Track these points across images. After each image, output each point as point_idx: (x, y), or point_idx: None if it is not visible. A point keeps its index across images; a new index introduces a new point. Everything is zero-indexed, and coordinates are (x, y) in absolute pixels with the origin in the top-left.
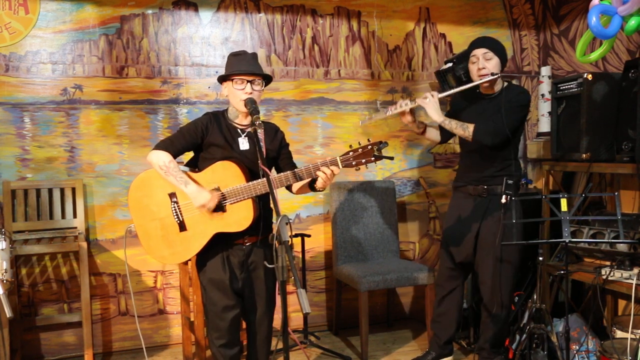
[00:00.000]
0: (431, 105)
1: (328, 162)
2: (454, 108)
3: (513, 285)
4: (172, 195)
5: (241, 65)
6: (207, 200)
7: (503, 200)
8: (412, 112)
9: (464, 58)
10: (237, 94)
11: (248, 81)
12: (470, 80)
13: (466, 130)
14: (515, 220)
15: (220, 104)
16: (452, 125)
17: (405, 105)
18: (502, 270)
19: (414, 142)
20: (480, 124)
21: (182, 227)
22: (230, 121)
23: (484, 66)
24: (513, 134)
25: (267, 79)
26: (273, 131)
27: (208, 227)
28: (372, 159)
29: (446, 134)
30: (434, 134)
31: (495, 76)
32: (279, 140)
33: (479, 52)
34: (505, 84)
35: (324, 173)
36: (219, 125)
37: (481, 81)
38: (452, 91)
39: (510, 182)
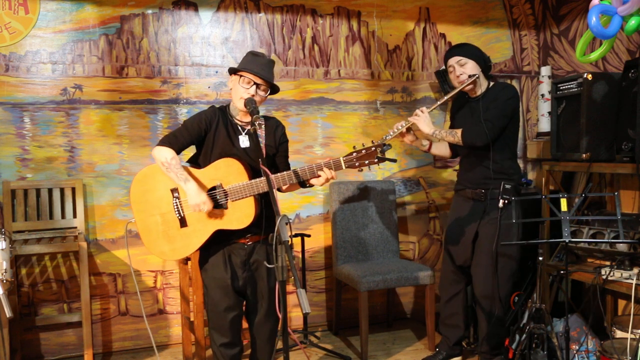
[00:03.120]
0: (422, 119)
1: (332, 163)
2: (452, 113)
3: (511, 287)
4: (174, 190)
5: (254, 66)
6: (201, 202)
7: (500, 204)
8: (410, 130)
9: None
10: (240, 90)
11: (255, 83)
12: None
13: (455, 136)
14: (516, 220)
15: (219, 103)
16: (442, 134)
17: (401, 127)
18: (500, 271)
19: None
20: (467, 127)
21: (183, 222)
22: (231, 117)
23: (461, 72)
24: (505, 129)
25: (274, 89)
26: (274, 126)
27: (209, 224)
28: (376, 160)
29: (456, 149)
30: (442, 149)
31: (474, 77)
32: (279, 135)
33: (453, 61)
34: (492, 83)
35: (324, 175)
36: (224, 119)
37: (462, 87)
38: (438, 103)
39: (508, 186)
